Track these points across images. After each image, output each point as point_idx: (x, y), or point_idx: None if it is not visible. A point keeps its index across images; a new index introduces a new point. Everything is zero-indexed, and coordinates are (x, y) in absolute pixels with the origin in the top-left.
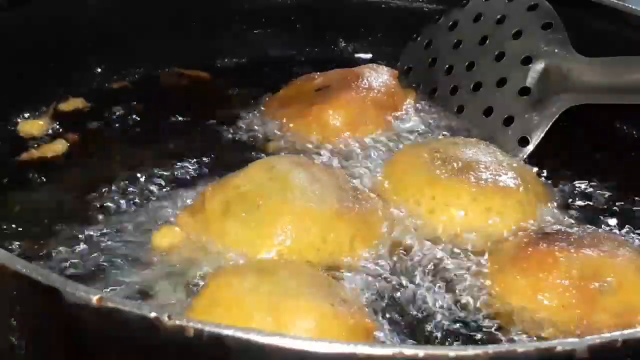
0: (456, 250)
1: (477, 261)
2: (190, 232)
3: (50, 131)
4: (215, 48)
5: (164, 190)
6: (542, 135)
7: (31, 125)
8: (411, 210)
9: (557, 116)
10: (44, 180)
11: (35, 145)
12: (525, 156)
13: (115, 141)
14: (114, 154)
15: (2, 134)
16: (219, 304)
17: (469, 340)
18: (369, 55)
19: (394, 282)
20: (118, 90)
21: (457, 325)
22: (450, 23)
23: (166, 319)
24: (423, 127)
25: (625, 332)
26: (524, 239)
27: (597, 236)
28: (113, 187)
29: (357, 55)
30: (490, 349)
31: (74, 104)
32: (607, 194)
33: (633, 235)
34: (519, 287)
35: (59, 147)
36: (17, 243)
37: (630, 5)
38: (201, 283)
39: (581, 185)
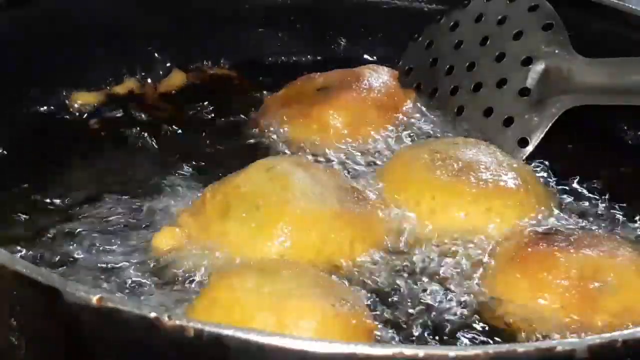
0: (456, 250)
1: (477, 262)
2: (191, 232)
3: None
4: (215, 48)
5: (164, 190)
6: (542, 136)
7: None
8: (411, 211)
9: (557, 117)
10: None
11: None
12: (524, 157)
13: (114, 141)
14: (113, 154)
15: None
16: (219, 304)
17: (469, 340)
18: (369, 56)
19: (394, 283)
20: (117, 90)
21: (457, 325)
22: (452, 23)
23: (166, 319)
24: (423, 127)
25: (625, 332)
26: (524, 239)
27: (597, 236)
28: (113, 187)
29: (357, 55)
30: (490, 349)
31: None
32: (606, 194)
33: (633, 235)
34: (519, 287)
35: None
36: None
37: (630, 5)
38: (202, 283)
39: (581, 185)
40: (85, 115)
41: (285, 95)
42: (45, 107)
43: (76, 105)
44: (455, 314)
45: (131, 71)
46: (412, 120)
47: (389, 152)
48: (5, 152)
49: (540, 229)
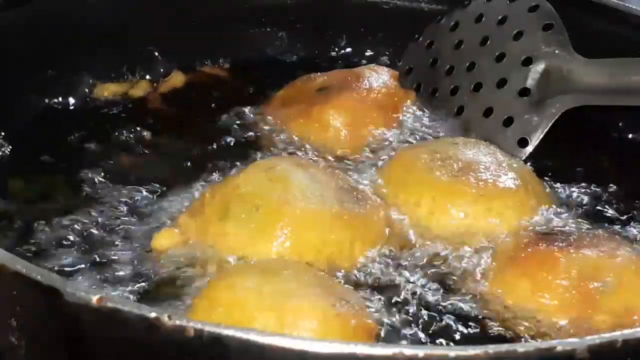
0: (456, 251)
1: (477, 262)
2: (190, 233)
3: None
4: (215, 48)
5: (163, 191)
6: (542, 136)
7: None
8: (411, 211)
9: (556, 117)
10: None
11: None
12: (524, 157)
13: (113, 141)
14: (112, 155)
15: None
16: (220, 304)
17: (469, 340)
18: (369, 56)
19: (394, 283)
20: (117, 90)
21: (457, 325)
22: (452, 24)
23: (166, 319)
24: (423, 127)
25: (625, 332)
26: (523, 239)
27: (596, 236)
28: (112, 187)
29: (357, 55)
30: (490, 349)
31: None
32: (606, 194)
33: (633, 235)
34: (519, 287)
35: None
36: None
37: (630, 5)
38: (201, 284)
39: (580, 185)
40: (86, 114)
41: (285, 95)
42: (43, 107)
43: (77, 104)
44: (455, 314)
45: (131, 71)
46: (412, 120)
47: (388, 152)
48: (10, 146)
49: (540, 229)
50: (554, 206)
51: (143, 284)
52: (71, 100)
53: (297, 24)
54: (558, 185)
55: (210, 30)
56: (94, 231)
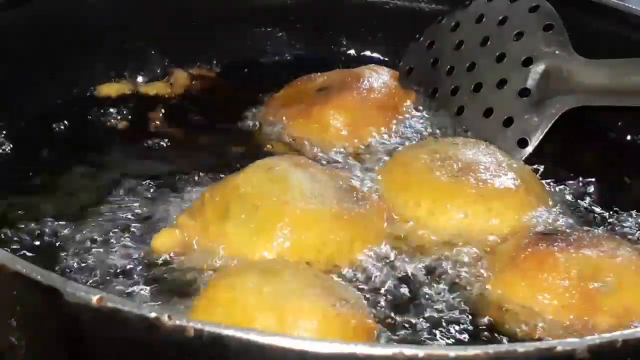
0: (456, 251)
1: (477, 262)
2: (190, 233)
3: None
4: (215, 48)
5: (163, 191)
6: (542, 136)
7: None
8: (411, 211)
9: (556, 117)
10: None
11: None
12: (524, 157)
13: (114, 142)
14: (113, 155)
15: None
16: (219, 304)
17: (469, 340)
18: (369, 56)
19: (394, 283)
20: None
21: (457, 325)
22: (453, 24)
23: (166, 319)
24: (423, 127)
25: (625, 332)
26: (523, 239)
27: (596, 236)
28: (112, 187)
29: (357, 55)
30: (490, 349)
31: None
32: (606, 194)
33: (633, 235)
34: (519, 287)
35: None
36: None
37: (630, 5)
38: (201, 284)
39: (580, 186)
40: (85, 114)
41: (285, 95)
42: (43, 107)
43: (77, 104)
44: (455, 314)
45: (131, 71)
46: (412, 120)
47: (388, 152)
48: (11, 145)
49: (540, 229)
50: (554, 206)
51: (143, 284)
52: (71, 100)
53: (297, 24)
54: (558, 185)
55: (210, 30)
56: (94, 231)
